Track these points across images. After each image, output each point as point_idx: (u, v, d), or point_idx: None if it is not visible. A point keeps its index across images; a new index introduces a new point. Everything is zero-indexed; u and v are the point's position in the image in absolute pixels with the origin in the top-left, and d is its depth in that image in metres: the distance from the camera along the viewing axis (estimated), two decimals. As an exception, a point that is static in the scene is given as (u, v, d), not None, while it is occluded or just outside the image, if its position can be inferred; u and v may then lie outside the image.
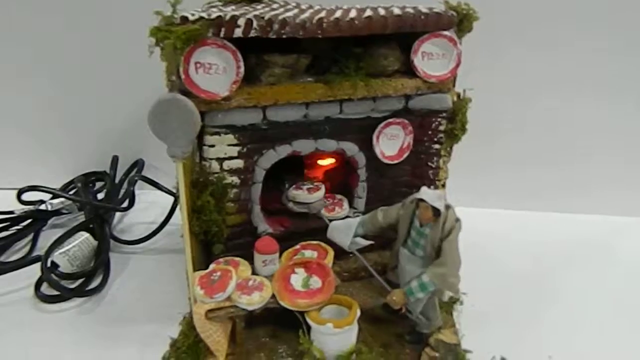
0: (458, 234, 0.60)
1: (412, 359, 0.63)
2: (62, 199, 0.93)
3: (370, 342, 0.64)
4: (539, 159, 1.00)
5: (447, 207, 0.61)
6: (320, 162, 0.80)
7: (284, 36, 0.60)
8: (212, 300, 0.60)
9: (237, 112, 0.63)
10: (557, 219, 1.00)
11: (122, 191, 0.95)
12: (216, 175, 0.66)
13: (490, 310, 0.73)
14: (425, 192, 0.60)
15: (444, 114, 0.73)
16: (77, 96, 1.00)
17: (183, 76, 0.58)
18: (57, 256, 0.77)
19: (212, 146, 0.65)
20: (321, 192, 0.73)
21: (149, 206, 1.00)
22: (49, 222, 0.93)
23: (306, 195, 0.73)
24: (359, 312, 0.62)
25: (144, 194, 1.01)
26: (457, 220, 0.61)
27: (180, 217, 0.64)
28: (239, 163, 0.67)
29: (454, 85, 0.73)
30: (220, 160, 0.66)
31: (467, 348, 0.63)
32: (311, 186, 0.74)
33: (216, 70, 0.59)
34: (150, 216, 0.97)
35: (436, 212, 0.60)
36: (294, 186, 0.74)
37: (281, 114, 0.66)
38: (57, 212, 0.93)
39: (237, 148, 0.66)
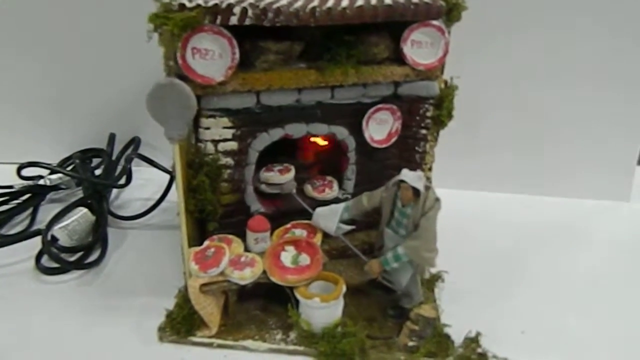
0: (437, 213, 0.63)
1: (394, 332, 0.66)
2: (60, 175, 0.94)
3: (355, 315, 0.67)
4: (519, 144, 1.02)
5: (427, 187, 0.64)
6: (312, 143, 0.82)
7: (278, 24, 0.62)
8: (206, 275, 0.63)
9: (232, 96, 0.65)
10: (536, 201, 1.02)
11: (119, 168, 0.97)
12: (211, 156, 0.68)
13: (470, 288, 0.76)
14: (405, 174, 0.63)
15: (431, 101, 0.74)
16: (76, 75, 1.01)
17: (180, 61, 0.60)
18: (57, 230, 0.79)
19: (208, 129, 0.67)
20: (291, 173, 0.75)
21: (145, 183, 1.02)
22: (48, 196, 0.95)
23: (278, 176, 0.74)
24: (344, 288, 0.65)
25: (140, 171, 1.02)
26: (437, 200, 0.64)
27: (176, 195, 0.67)
28: (233, 145, 0.69)
29: (441, 73, 0.74)
30: (215, 142, 0.68)
31: (446, 322, 0.67)
32: (281, 167, 0.75)
33: (212, 56, 0.61)
34: (146, 193, 0.98)
35: (416, 192, 0.63)
36: (264, 168, 0.75)
37: (274, 99, 0.67)
38: (55, 187, 0.94)
39: (232, 131, 0.68)
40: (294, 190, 0.75)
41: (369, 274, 0.67)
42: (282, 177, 0.74)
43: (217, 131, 0.67)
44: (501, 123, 1.00)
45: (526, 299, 0.77)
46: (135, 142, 1.03)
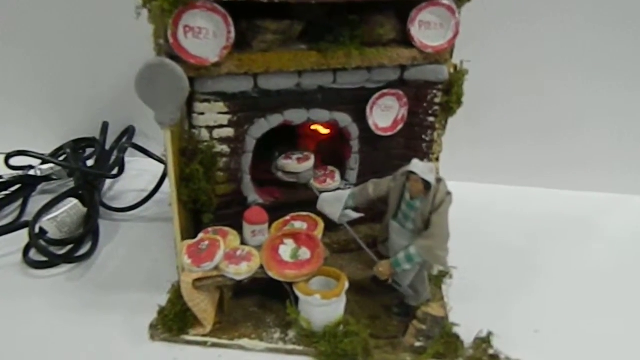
0: (448, 208, 0.59)
1: (399, 331, 0.63)
2: (51, 165, 0.92)
3: (357, 314, 0.64)
4: (530, 135, 0.99)
5: (439, 180, 0.60)
6: (313, 131, 0.78)
7: (277, 1, 0.58)
8: (199, 269, 0.60)
9: (227, 79, 0.62)
10: (547, 194, 0.99)
11: (113, 158, 0.94)
12: (206, 143, 0.65)
13: (479, 285, 0.73)
14: (416, 165, 0.59)
15: (440, 86, 0.71)
16: (69, 61, 0.98)
17: (171, 40, 0.56)
18: (45, 222, 0.76)
19: (202, 114, 0.63)
20: (310, 162, 0.73)
21: (139, 174, 0.99)
22: (38, 188, 0.92)
23: (295, 165, 0.72)
24: (347, 284, 0.62)
25: (135, 162, 1.01)
26: (448, 193, 0.60)
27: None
28: (229, 132, 0.66)
29: (451, 57, 0.71)
30: (210, 129, 0.65)
31: (455, 321, 0.63)
32: (300, 156, 0.73)
33: (206, 35, 0.58)
34: (140, 184, 0.96)
35: (427, 185, 0.59)
36: (283, 156, 0.74)
37: (273, 82, 0.64)
38: (46, 178, 0.92)
39: (228, 116, 0.65)
40: (312, 181, 0.72)
41: (378, 276, 0.63)
42: (299, 165, 0.72)
43: (212, 117, 0.64)
44: (512, 112, 0.97)
45: (539, 296, 0.73)
46: (129, 131, 1.00)
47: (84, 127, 1.01)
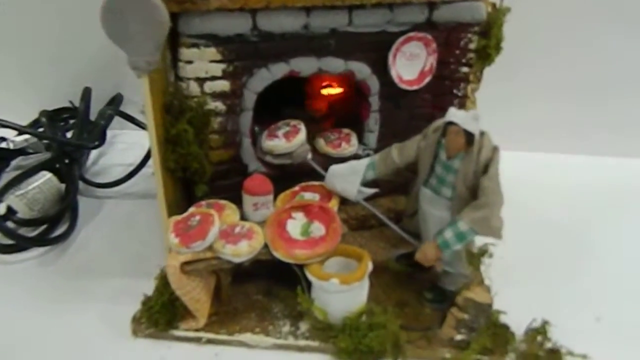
0: (498, 167, 0.49)
1: (435, 321, 0.54)
2: (26, 136, 0.82)
3: (383, 300, 0.57)
4: (573, 96, 0.90)
5: (481, 133, 0.49)
6: (324, 88, 0.69)
7: None
8: (188, 250, 0.51)
9: (219, 17, 0.53)
10: (596, 162, 0.90)
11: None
12: (195, 99, 0.56)
13: (524, 264, 0.65)
14: (454, 114, 0.49)
15: (476, 28, 0.62)
16: (48, 22, 0.90)
17: (145, -39, 0.46)
18: (13, 199, 0.67)
19: (190, 62, 0.55)
20: (302, 134, 0.62)
21: (128, 147, 0.92)
22: (13, 163, 0.83)
23: (285, 144, 0.61)
24: (370, 266, 0.54)
25: (124, 134, 0.93)
26: (495, 149, 0.50)
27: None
28: (224, 85, 0.57)
29: (488, -7, 0.61)
30: (201, 81, 0.56)
31: (500, 308, 0.53)
32: (288, 129, 0.62)
33: (190, -43, 0.48)
34: (129, 158, 0.87)
35: (469, 138, 0.48)
36: (266, 134, 0.62)
37: (275, 22, 0.55)
38: (21, 152, 0.83)
39: (222, 66, 0.56)
40: (310, 156, 0.62)
41: (422, 263, 0.53)
42: (289, 144, 0.61)
43: (203, 66, 0.55)
44: (551, 71, 0.88)
45: (595, 277, 0.65)
46: (116, 99, 0.90)
47: (69, 97, 0.91)
